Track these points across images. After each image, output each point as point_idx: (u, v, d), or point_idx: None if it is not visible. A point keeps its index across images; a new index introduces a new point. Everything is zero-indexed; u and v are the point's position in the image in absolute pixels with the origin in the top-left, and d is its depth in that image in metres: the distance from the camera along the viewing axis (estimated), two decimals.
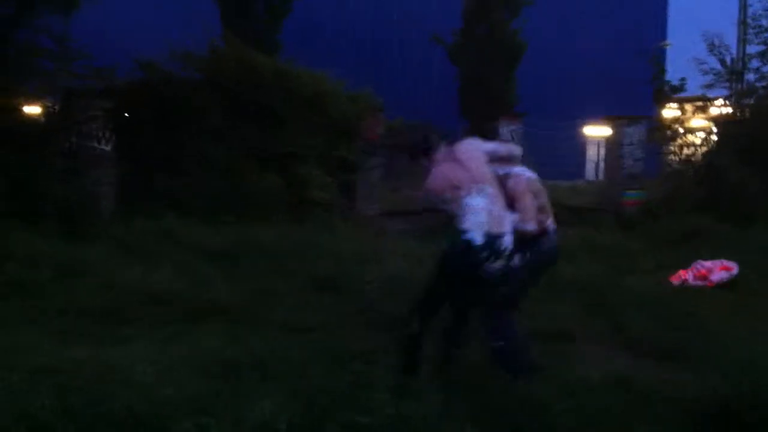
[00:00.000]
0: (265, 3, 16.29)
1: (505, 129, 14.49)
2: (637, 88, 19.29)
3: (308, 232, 10.27)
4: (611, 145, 16.36)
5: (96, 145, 11.63)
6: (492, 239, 4.62)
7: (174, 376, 4.67)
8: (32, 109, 12.44)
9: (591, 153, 22.17)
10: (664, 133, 17.59)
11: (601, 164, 17.20)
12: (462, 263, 4.68)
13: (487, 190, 4.69)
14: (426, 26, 17.59)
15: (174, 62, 12.54)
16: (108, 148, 11.58)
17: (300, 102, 12.03)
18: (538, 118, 15.87)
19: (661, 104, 19.36)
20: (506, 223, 4.71)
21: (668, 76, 19.74)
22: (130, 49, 12.43)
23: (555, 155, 15.57)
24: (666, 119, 18.76)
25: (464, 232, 4.64)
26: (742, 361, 5.54)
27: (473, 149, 4.87)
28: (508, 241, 4.68)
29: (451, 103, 16.69)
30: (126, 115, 12.23)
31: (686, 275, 9.97)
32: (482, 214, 4.64)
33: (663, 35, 24.92)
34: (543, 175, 5.67)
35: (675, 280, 9.95)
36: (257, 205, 11.00)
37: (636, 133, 15.96)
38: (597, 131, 18.73)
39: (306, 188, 11.76)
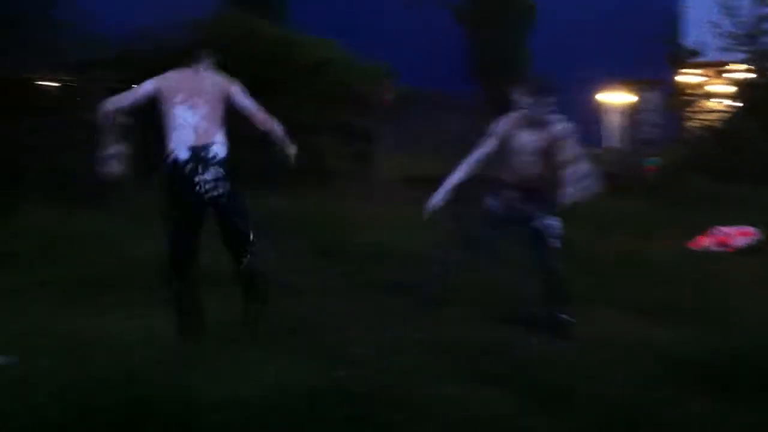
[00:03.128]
0: None
1: (517, 94, 14.21)
2: (653, 52, 18.93)
3: (320, 201, 10.16)
4: (630, 110, 16.12)
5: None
6: (196, 150, 4.54)
7: (164, 343, 4.65)
8: (49, 84, 12.43)
9: (608, 118, 21.90)
10: (682, 98, 17.38)
11: (619, 130, 16.98)
12: (173, 184, 4.58)
13: (200, 106, 4.60)
14: None
15: (180, 31, 12.41)
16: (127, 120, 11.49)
17: (309, 70, 11.90)
18: (556, 82, 15.56)
19: (678, 69, 19.10)
20: (218, 137, 4.62)
21: (685, 40, 19.48)
22: (134, 18, 12.33)
23: (570, 121, 15.28)
24: (683, 84, 18.53)
25: (169, 152, 4.59)
26: (751, 323, 5.54)
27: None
28: (220, 150, 4.60)
29: (461, 67, 16.46)
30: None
31: (706, 241, 9.90)
32: (186, 130, 4.56)
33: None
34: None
35: (695, 246, 9.85)
36: (270, 174, 10.90)
37: (654, 98, 15.74)
38: (614, 96, 18.44)
39: (319, 157, 11.64)
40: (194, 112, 4.57)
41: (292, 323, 5.10)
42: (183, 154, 4.52)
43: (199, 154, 4.50)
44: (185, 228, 4.66)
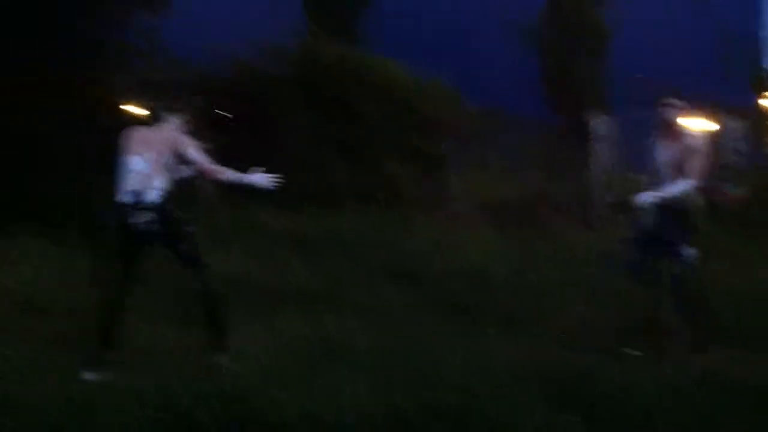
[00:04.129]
0: None
1: (593, 120, 14.16)
2: (735, 77, 18.53)
3: (390, 224, 10.35)
4: (710, 137, 15.81)
5: None
6: (136, 195, 5.07)
7: (253, 355, 4.88)
8: (128, 107, 13.01)
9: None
10: (763, 124, 16.94)
11: None
12: (116, 221, 5.13)
13: (146, 156, 5.13)
14: (508, 14, 17.37)
15: (261, 58, 12.87)
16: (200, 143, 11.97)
17: (383, 95, 12.16)
18: (628, 110, 15.47)
19: (759, 94, 18.63)
20: (157, 182, 5.09)
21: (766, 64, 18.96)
22: (215, 42, 12.80)
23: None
24: (764, 109, 18.04)
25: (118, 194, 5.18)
26: None
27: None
28: (153, 195, 5.06)
29: (534, 92, 16.51)
30: (217, 111, 12.60)
31: None
32: (134, 176, 5.11)
33: (759, 22, 23.85)
34: (637, 168, 5.72)
35: None
36: (342, 197, 11.17)
37: (736, 124, 15.41)
38: (694, 122, 18.10)
39: (390, 181, 11.86)
40: (143, 160, 5.15)
41: (380, 344, 5.24)
42: (125, 198, 5.12)
43: (136, 199, 5.08)
44: (123, 260, 5.20)
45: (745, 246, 11.12)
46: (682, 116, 5.62)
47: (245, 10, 15.78)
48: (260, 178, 5.27)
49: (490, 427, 3.85)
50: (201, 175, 5.35)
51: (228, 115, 12.30)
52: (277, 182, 5.29)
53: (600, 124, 14.12)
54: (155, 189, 5.07)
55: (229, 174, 5.22)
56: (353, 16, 16.90)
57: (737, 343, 5.94)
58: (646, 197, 5.49)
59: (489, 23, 20.22)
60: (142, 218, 5.02)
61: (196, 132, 5.47)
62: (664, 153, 5.59)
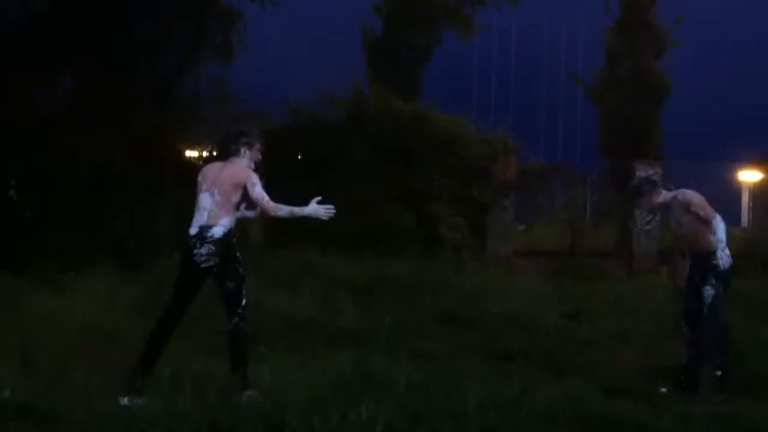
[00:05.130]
0: (408, 50, 17.04)
1: (642, 171, 14.21)
2: None
3: (439, 268, 10.63)
4: (759, 189, 15.73)
5: None
6: (202, 229, 5.42)
7: (299, 386, 5.21)
8: (192, 153, 13.61)
9: (745, 198, 21.24)
10: None
11: (751, 209, 16.54)
12: (183, 252, 5.54)
13: (216, 194, 5.46)
14: (566, 66, 17.72)
15: (321, 105, 13.44)
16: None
17: (435, 144, 12.55)
18: (688, 161, 15.50)
19: None
20: (223, 220, 5.44)
21: None
22: (282, 93, 13.43)
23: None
24: None
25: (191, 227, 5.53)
26: None
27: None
28: (217, 231, 5.41)
29: (590, 143, 16.72)
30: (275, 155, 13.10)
31: None
32: (203, 212, 5.47)
33: None
34: None
35: None
36: (391, 240, 11.51)
37: None
38: (747, 175, 17.99)
39: (437, 226, 12.18)
40: (212, 198, 5.50)
41: (421, 383, 5.43)
42: (193, 231, 5.49)
43: (202, 233, 5.45)
44: (179, 289, 5.58)
45: None
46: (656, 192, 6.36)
47: (311, 62, 16.41)
48: (316, 209, 5.56)
49: None
50: (261, 213, 5.64)
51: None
52: (331, 213, 5.57)
53: (645, 172, 14.15)
54: (221, 225, 5.42)
55: (285, 210, 5.53)
56: (414, 70, 17.40)
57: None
58: (726, 257, 6.05)
59: (551, 79, 20.56)
60: (205, 250, 5.38)
61: (259, 169, 5.73)
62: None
